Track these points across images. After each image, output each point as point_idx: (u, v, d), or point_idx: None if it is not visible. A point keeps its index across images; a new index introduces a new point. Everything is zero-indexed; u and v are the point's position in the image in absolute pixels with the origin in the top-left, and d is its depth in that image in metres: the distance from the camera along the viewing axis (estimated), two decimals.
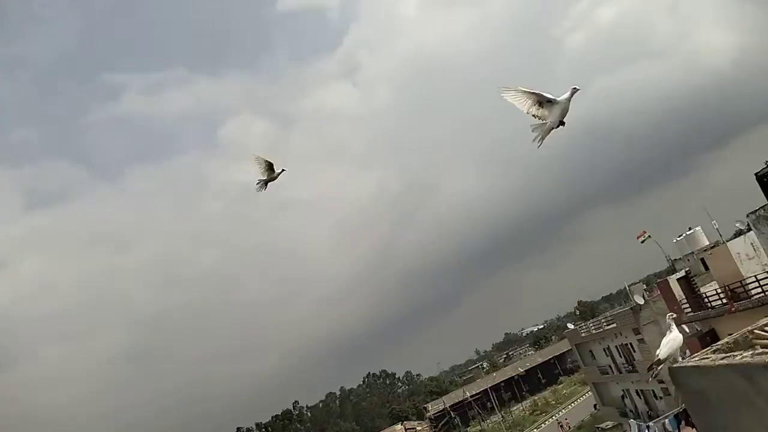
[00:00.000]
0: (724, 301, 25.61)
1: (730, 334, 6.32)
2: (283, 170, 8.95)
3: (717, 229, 31.06)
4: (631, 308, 35.68)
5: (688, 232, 31.99)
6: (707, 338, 26.43)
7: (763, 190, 21.21)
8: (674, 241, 33.21)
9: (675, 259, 33.67)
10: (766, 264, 22.83)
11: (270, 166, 8.89)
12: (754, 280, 23.16)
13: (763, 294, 22.51)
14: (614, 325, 39.47)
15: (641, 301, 35.04)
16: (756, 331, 5.75)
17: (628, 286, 40.06)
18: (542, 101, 6.26)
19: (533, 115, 6.36)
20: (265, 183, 9.03)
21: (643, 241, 35.82)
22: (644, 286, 40.97)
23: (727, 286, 25.30)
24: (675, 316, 13.72)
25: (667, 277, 32.78)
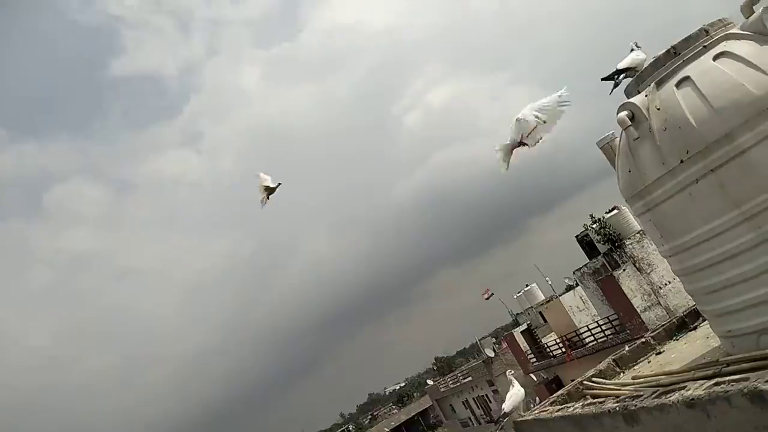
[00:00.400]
0: (563, 349, 28.30)
1: (573, 380, 6.51)
2: (279, 184, 9.49)
3: (551, 284, 34.26)
4: (484, 361, 37.56)
5: (525, 288, 34.59)
6: (553, 384, 28.69)
7: (584, 249, 24.25)
8: (515, 296, 35.80)
9: (517, 313, 35.85)
10: (594, 315, 25.67)
11: (268, 189, 9.49)
12: (586, 329, 25.80)
13: (595, 342, 25.13)
14: (470, 378, 40.77)
15: (492, 354, 37.19)
16: (585, 381, 6.03)
17: (479, 340, 42.45)
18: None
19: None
20: (268, 197, 9.53)
21: (487, 298, 38.23)
22: (493, 340, 43.63)
23: (564, 336, 28.03)
24: (514, 372, 15.31)
25: (512, 330, 34.84)
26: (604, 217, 22.19)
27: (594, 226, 22.46)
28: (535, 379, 32.30)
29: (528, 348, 32.51)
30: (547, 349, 30.63)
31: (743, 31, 4.00)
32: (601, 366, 6.19)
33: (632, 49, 5.33)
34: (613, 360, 6.21)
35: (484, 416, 41.11)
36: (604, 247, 22.18)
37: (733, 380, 3.39)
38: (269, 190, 9.49)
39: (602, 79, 5.67)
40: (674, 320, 6.58)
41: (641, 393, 4.41)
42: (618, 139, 4.62)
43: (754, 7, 4.05)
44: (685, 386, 3.89)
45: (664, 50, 4.40)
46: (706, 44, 4.08)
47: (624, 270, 20.79)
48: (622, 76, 5.31)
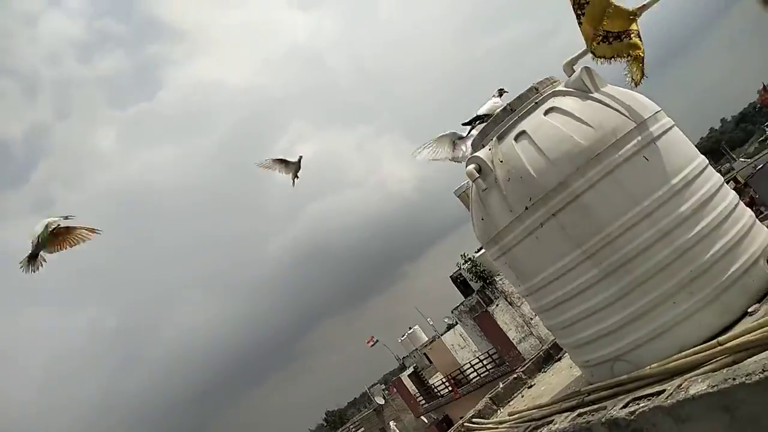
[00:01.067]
0: (449, 388, 28.84)
1: (461, 417, 6.60)
2: (300, 157, 7.85)
3: (432, 325, 34.99)
4: (375, 410, 37.51)
5: (409, 332, 35.12)
6: (443, 424, 29.08)
7: (459, 288, 25.22)
8: (399, 341, 36.16)
9: (404, 357, 36.31)
10: (475, 350, 26.49)
11: (284, 162, 7.83)
12: (469, 366, 26.52)
13: (478, 377, 25.89)
14: (362, 429, 40.45)
15: (382, 401, 37.16)
16: (466, 423, 6.22)
17: (368, 389, 42.24)
18: (455, 140, 6.33)
19: (453, 159, 6.37)
20: (296, 174, 7.87)
21: (372, 345, 38.37)
22: (383, 386, 43.53)
23: (449, 374, 28.63)
24: (396, 423, 15.48)
25: (400, 375, 35.26)
26: (474, 256, 23.25)
27: (465, 265, 23.45)
28: (426, 420, 32.58)
29: (416, 390, 32.81)
30: (435, 390, 31.08)
31: (567, 88, 4.47)
32: (479, 406, 6.39)
33: (493, 95, 5.70)
34: (490, 398, 6.44)
35: None
36: (477, 285, 23.17)
37: (593, 410, 3.65)
38: (290, 167, 7.84)
39: (462, 125, 5.99)
40: (541, 353, 6.97)
41: (516, 429, 4.61)
42: (470, 189, 4.90)
43: (573, 67, 4.55)
44: (553, 419, 4.13)
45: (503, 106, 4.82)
46: (537, 101, 4.50)
47: (497, 305, 21.80)
48: (479, 122, 5.67)
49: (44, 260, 6.02)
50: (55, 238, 5.84)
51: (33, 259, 5.99)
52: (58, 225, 5.87)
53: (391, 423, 14.39)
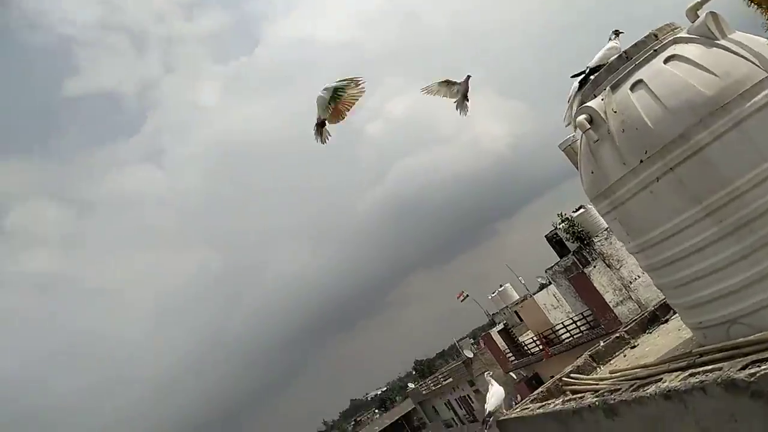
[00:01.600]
0: (540, 347, 28.64)
1: (552, 376, 6.54)
2: (468, 76, 7.01)
3: (523, 284, 34.68)
4: (463, 362, 37.86)
5: (500, 289, 34.93)
6: (533, 381, 28.99)
7: (554, 248, 24.65)
8: (489, 297, 36.12)
9: (493, 314, 36.25)
10: (568, 311, 26.04)
11: (448, 83, 7.05)
12: (562, 326, 26.22)
13: (571, 338, 25.53)
14: (450, 379, 40.96)
15: (471, 355, 37.43)
16: (564, 378, 6.05)
17: (457, 342, 42.75)
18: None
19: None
20: (465, 97, 7.08)
21: (462, 300, 38.50)
22: (471, 341, 43.95)
23: (540, 333, 28.41)
24: (492, 372, 15.48)
25: (489, 330, 35.35)
26: (572, 216, 22.59)
27: (562, 224, 22.85)
28: (515, 377, 32.60)
29: (506, 347, 32.80)
30: (525, 347, 30.94)
31: (690, 34, 4.17)
32: (579, 362, 6.29)
33: (610, 38, 5.41)
34: (590, 355, 6.32)
35: (467, 416, 41.30)
36: (573, 245, 22.57)
37: (707, 370, 3.50)
38: (456, 89, 7.00)
39: (571, 77, 5.77)
40: (646, 314, 6.74)
41: (619, 387, 4.52)
42: (579, 141, 4.74)
43: (698, 12, 4.23)
44: (662, 378, 4.01)
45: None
46: (656, 48, 4.23)
47: (594, 267, 21.18)
48: (592, 75, 5.42)
49: (329, 134, 5.98)
50: (333, 110, 5.72)
51: (320, 127, 5.96)
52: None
53: (486, 373, 14.33)
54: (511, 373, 32.95)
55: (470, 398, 39.42)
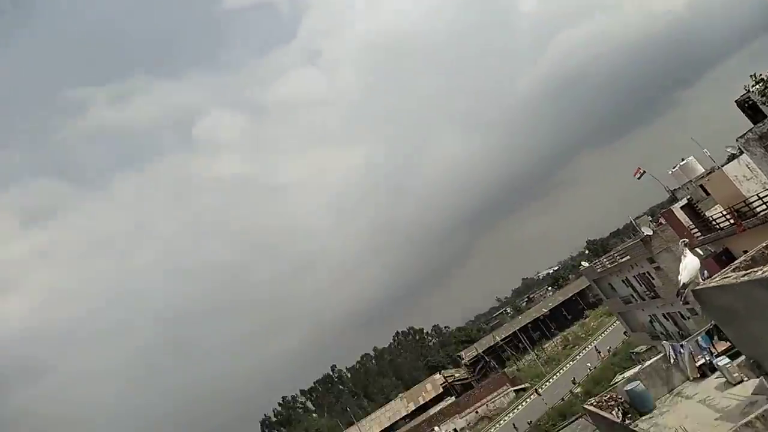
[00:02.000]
0: (731, 221, 26.50)
1: (746, 251, 6.37)
2: None
3: (710, 156, 31.75)
4: (642, 239, 36.45)
5: (681, 163, 32.36)
6: (723, 257, 27.29)
7: (746, 114, 22.02)
8: (669, 172, 33.57)
9: (674, 189, 34.06)
10: (764, 182, 23.56)
11: None
12: (757, 198, 23.71)
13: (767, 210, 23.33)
14: (628, 257, 40.02)
15: (650, 232, 35.83)
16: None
17: (634, 220, 40.98)
18: None
19: None
20: None
21: (639, 177, 36.14)
22: (649, 218, 41.84)
23: (732, 206, 26.16)
24: (687, 241, 14.41)
25: (671, 207, 33.32)
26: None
27: (757, 87, 20.30)
28: (702, 252, 30.85)
29: (690, 223, 30.90)
30: (713, 222, 28.92)
31: None
32: None
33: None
34: None
35: (648, 292, 40.40)
36: None
37: None
38: None
39: None
40: None
41: None
42: None
43: None
44: None
45: None
46: None
47: None
48: None
49: None
50: None
51: None
52: None
53: (681, 242, 13.74)
54: (697, 249, 31.20)
55: (650, 275, 38.27)
